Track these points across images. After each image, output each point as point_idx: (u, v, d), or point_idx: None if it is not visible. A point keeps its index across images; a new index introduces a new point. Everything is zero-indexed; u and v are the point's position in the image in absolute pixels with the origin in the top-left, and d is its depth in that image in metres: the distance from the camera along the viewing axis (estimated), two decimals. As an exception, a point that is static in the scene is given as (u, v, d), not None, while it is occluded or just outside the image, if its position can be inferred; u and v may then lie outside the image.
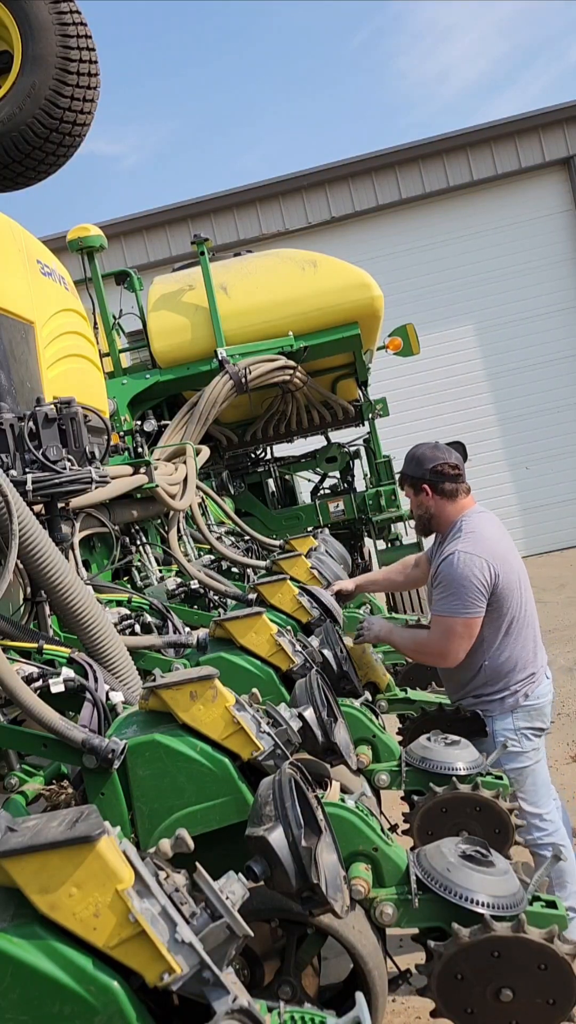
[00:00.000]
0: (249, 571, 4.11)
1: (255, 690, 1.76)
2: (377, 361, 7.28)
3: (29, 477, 2.22)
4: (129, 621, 2.66)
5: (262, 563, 3.90)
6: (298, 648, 2.29)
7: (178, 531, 3.71)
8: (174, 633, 2.60)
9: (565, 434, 12.90)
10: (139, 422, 5.42)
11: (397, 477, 3.41)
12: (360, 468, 7.34)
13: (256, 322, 5.85)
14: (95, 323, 5.60)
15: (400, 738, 3.18)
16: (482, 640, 2.98)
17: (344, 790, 1.91)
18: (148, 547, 3.82)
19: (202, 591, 3.45)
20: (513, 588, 2.97)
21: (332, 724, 1.85)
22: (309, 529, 6.47)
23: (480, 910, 1.53)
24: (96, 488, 2.45)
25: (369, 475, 7.04)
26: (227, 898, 1.03)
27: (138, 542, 3.77)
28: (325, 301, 5.88)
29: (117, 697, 1.81)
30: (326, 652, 2.46)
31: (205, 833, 1.46)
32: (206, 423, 5.38)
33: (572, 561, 11.81)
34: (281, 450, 7.63)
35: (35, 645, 1.96)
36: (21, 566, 2.09)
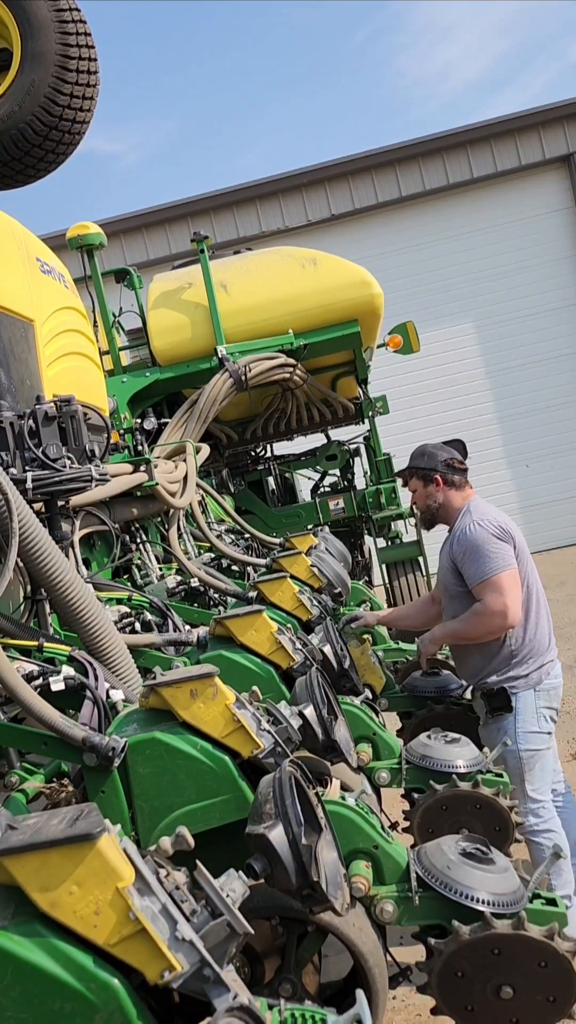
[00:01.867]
0: (249, 569, 4.11)
1: (255, 688, 1.76)
2: (377, 359, 7.27)
3: (29, 475, 2.22)
4: (129, 619, 2.66)
5: (262, 561, 3.90)
6: (298, 646, 2.29)
7: (178, 529, 3.71)
8: (174, 631, 2.60)
9: (565, 431, 12.90)
10: (139, 420, 5.42)
11: (403, 473, 3.43)
12: (360, 466, 7.34)
13: (256, 320, 5.85)
14: (95, 321, 5.60)
15: (400, 738, 3.19)
16: None
17: (344, 788, 1.91)
18: (148, 545, 3.82)
19: (202, 589, 3.45)
20: (524, 558, 3.09)
21: (332, 722, 1.85)
22: (309, 527, 6.47)
23: (480, 907, 1.53)
24: (96, 486, 2.45)
25: (369, 473, 7.04)
26: (227, 896, 1.03)
27: (138, 540, 3.77)
28: (325, 299, 5.88)
29: (117, 695, 1.81)
30: (326, 650, 2.46)
31: (205, 831, 1.46)
32: (206, 421, 5.38)
33: (572, 559, 11.81)
34: (281, 448, 7.63)
35: (35, 643, 1.96)
36: (21, 564, 2.09)
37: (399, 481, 3.47)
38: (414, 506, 3.44)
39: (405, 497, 7.01)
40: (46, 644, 1.97)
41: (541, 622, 3.12)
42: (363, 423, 6.96)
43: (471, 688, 3.21)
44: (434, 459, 3.28)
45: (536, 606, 3.13)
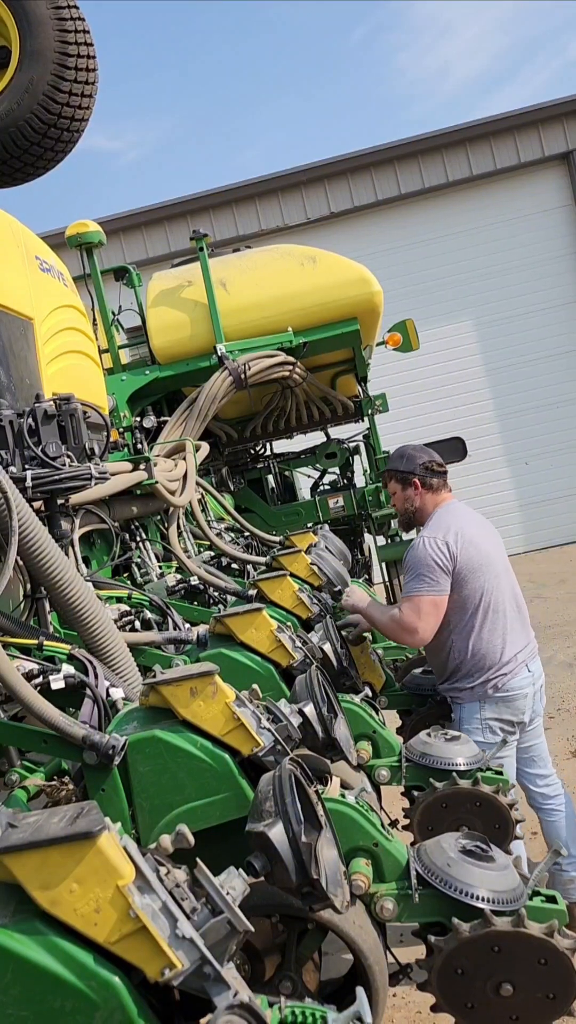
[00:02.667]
0: (249, 567, 4.11)
1: (255, 686, 1.76)
2: (376, 357, 7.26)
3: (29, 474, 2.22)
4: (129, 617, 2.67)
5: (262, 559, 3.90)
6: (298, 644, 2.30)
7: (178, 527, 3.71)
8: (174, 629, 2.60)
9: (564, 430, 12.90)
10: (138, 418, 5.42)
11: (383, 474, 3.43)
12: (360, 464, 7.33)
13: (255, 318, 5.84)
14: (94, 319, 5.60)
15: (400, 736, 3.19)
16: (449, 623, 3.06)
17: (344, 786, 1.92)
18: (148, 543, 3.82)
19: (202, 587, 3.45)
20: (478, 571, 3.03)
21: (332, 720, 1.85)
22: (309, 525, 6.47)
23: (480, 905, 1.54)
24: (96, 484, 2.45)
25: (369, 471, 7.04)
26: (228, 894, 1.04)
27: (138, 538, 3.77)
28: (324, 297, 5.87)
29: (117, 693, 1.82)
30: (326, 648, 2.46)
31: (206, 829, 1.46)
32: (205, 419, 5.37)
33: (572, 557, 11.81)
34: (281, 446, 7.62)
35: (35, 641, 1.96)
36: (21, 563, 2.09)
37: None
38: (394, 508, 3.44)
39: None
40: (46, 642, 1.97)
41: (494, 636, 3.04)
42: (363, 421, 6.95)
43: None
44: (413, 462, 3.27)
45: (490, 620, 3.05)
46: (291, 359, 5.79)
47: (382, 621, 3.15)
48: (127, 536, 3.69)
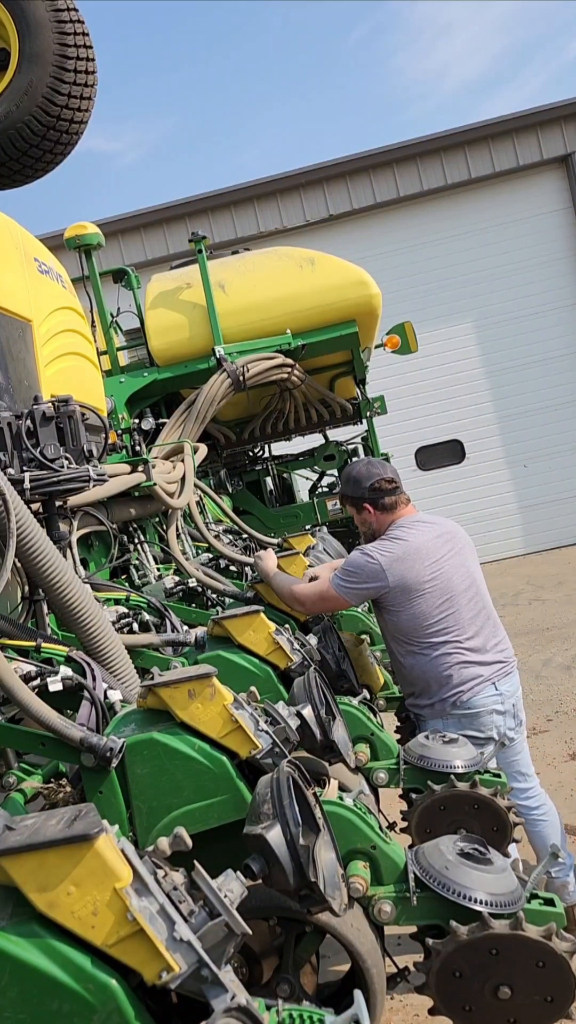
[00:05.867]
0: (247, 569, 4.11)
1: (253, 688, 1.77)
2: (375, 359, 7.27)
3: (27, 475, 2.22)
4: (127, 619, 2.67)
5: (260, 561, 3.89)
6: (296, 646, 2.30)
7: (176, 529, 3.71)
8: (172, 631, 2.60)
9: (563, 432, 12.91)
10: (137, 420, 5.42)
11: (339, 496, 3.39)
12: (358, 466, 7.33)
13: (254, 320, 5.84)
14: (93, 321, 5.60)
15: (398, 736, 3.19)
16: (404, 639, 3.00)
17: (342, 788, 1.91)
18: (146, 545, 3.82)
19: (200, 589, 3.45)
20: (425, 590, 2.94)
21: (330, 722, 1.85)
22: (307, 527, 6.47)
23: (478, 908, 1.53)
24: (94, 486, 2.45)
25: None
26: (225, 896, 1.03)
27: (136, 540, 3.77)
28: (323, 299, 5.88)
29: (115, 695, 1.81)
30: (324, 650, 2.46)
31: (203, 831, 1.46)
32: (204, 421, 5.37)
33: (570, 559, 11.82)
34: (279, 448, 7.62)
35: (33, 643, 1.96)
36: (19, 564, 2.09)
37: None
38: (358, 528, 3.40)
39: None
40: (44, 644, 1.96)
41: (449, 657, 2.95)
42: (361, 423, 6.96)
43: None
44: (359, 486, 3.18)
45: (442, 639, 2.96)
46: (290, 361, 5.79)
47: (282, 590, 3.09)
48: (125, 538, 3.69)
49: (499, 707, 2.97)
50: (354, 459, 3.37)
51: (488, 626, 3.05)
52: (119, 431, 5.08)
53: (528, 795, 3.19)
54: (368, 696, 2.93)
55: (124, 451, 4.34)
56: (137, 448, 4.07)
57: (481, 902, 1.54)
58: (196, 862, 1.06)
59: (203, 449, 4.96)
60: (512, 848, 2.78)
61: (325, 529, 4.57)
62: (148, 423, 5.30)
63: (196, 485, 4.10)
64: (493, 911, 1.53)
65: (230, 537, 4.93)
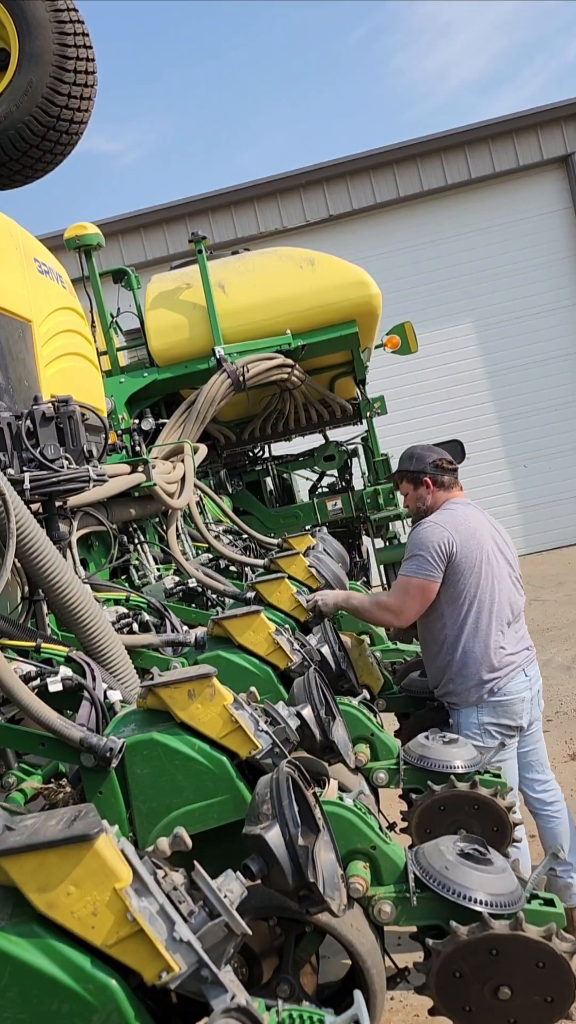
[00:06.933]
0: (247, 570, 4.11)
1: (253, 688, 1.76)
2: (376, 359, 7.26)
3: (27, 476, 2.22)
4: (127, 620, 2.66)
5: (260, 562, 3.89)
6: (296, 646, 2.30)
7: (176, 529, 3.71)
8: (172, 632, 2.60)
9: (563, 432, 12.92)
10: (137, 420, 5.41)
11: (394, 476, 3.43)
12: (358, 466, 7.34)
13: (254, 320, 5.84)
14: (93, 321, 5.59)
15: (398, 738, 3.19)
16: (442, 616, 3.07)
17: (342, 788, 1.91)
18: (146, 545, 3.82)
19: (200, 590, 3.45)
20: (476, 568, 3.05)
21: (330, 722, 1.85)
22: (307, 527, 6.46)
23: (478, 908, 1.53)
24: (94, 486, 2.44)
25: (367, 473, 7.04)
26: (225, 896, 1.03)
27: (136, 541, 3.77)
28: (323, 299, 5.88)
29: (115, 696, 1.81)
30: (324, 650, 2.46)
31: (203, 831, 1.46)
32: (204, 421, 5.37)
33: (570, 559, 11.82)
34: (279, 448, 7.62)
35: (33, 644, 1.96)
36: (19, 565, 2.09)
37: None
38: (407, 508, 3.45)
39: (403, 498, 7.04)
40: (44, 645, 1.96)
41: (488, 637, 3.02)
42: (361, 423, 6.96)
43: None
44: (423, 461, 3.29)
45: (484, 619, 3.04)
46: (289, 361, 5.79)
47: (366, 606, 3.17)
48: (125, 538, 3.68)
49: (527, 693, 3.08)
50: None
51: (518, 613, 3.18)
52: (119, 431, 5.08)
53: (545, 787, 3.22)
54: (368, 696, 2.93)
55: (124, 451, 4.34)
56: (137, 448, 4.07)
57: (481, 902, 1.54)
58: (196, 862, 1.05)
59: (203, 449, 4.96)
60: (521, 847, 2.79)
61: (325, 529, 4.56)
62: (148, 423, 5.30)
63: (196, 485, 4.10)
64: (493, 911, 1.53)
65: (230, 537, 4.93)
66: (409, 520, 6.73)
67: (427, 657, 3.21)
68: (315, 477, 7.78)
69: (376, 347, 7.02)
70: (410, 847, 1.80)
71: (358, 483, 7.30)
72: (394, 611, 3.10)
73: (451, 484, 3.29)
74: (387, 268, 11.38)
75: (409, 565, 3.08)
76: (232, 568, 4.29)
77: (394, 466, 6.81)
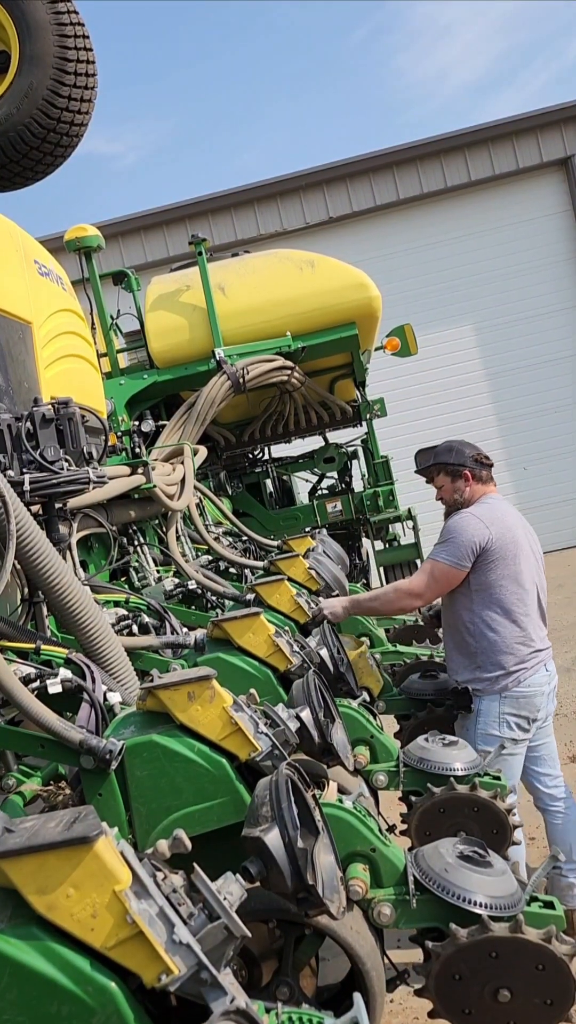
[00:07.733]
0: (247, 571, 4.11)
1: (253, 690, 1.76)
2: (375, 361, 7.27)
3: (26, 477, 2.22)
4: (127, 622, 2.66)
5: (260, 564, 3.89)
6: (296, 649, 2.29)
7: (176, 531, 3.71)
8: (172, 634, 2.60)
9: (563, 434, 12.92)
10: (137, 422, 5.41)
11: (429, 469, 3.45)
12: (358, 468, 7.34)
13: (254, 322, 5.85)
14: (93, 323, 5.60)
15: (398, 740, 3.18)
16: (472, 603, 3.14)
17: (342, 790, 1.91)
18: (146, 547, 3.82)
19: (200, 591, 3.44)
20: (510, 560, 3.13)
21: (329, 725, 1.85)
22: (307, 529, 6.46)
23: (478, 910, 1.53)
24: (94, 488, 2.45)
25: (367, 475, 7.04)
26: (225, 899, 1.03)
27: (136, 542, 3.77)
28: (323, 301, 5.88)
29: (115, 698, 1.81)
30: (323, 653, 2.46)
31: (203, 834, 1.46)
32: (204, 423, 5.38)
33: (570, 561, 11.82)
34: (279, 450, 7.62)
35: (33, 646, 1.96)
36: (19, 566, 2.09)
37: (424, 479, 3.49)
38: (440, 501, 3.48)
39: (403, 499, 7.05)
40: (43, 646, 1.96)
41: (516, 628, 3.13)
42: (361, 425, 6.96)
43: None
44: (462, 455, 3.36)
45: (515, 609, 3.14)
46: (289, 363, 5.80)
47: (381, 596, 3.24)
48: (125, 540, 3.68)
49: (547, 687, 3.15)
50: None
51: (543, 609, 3.31)
52: (119, 433, 5.08)
53: (555, 783, 3.25)
54: (368, 699, 2.93)
55: (124, 453, 4.34)
56: (137, 450, 4.08)
57: (481, 905, 1.54)
58: (195, 864, 1.05)
59: (203, 451, 4.96)
60: (518, 850, 2.79)
61: (325, 531, 4.56)
62: (148, 425, 5.30)
63: (196, 487, 4.10)
64: (493, 914, 1.53)
65: (230, 539, 4.93)
66: (409, 522, 6.76)
67: (454, 643, 3.26)
68: (315, 479, 7.78)
69: (376, 349, 7.03)
70: (410, 849, 1.80)
71: (358, 485, 7.30)
72: (417, 594, 3.17)
73: (488, 479, 3.38)
74: (387, 270, 11.38)
75: (442, 548, 3.15)
76: (232, 570, 4.29)
77: (394, 468, 6.87)
